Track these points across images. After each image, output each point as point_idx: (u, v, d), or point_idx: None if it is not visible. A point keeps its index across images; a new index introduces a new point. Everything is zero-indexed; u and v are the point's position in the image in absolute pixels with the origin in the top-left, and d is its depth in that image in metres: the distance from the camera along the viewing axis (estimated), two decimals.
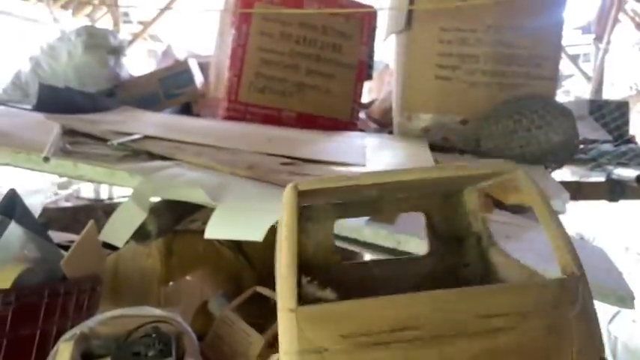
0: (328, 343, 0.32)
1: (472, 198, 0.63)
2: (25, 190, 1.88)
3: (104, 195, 3.19)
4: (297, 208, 0.43)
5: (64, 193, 3.14)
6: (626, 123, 2.69)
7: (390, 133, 2.58)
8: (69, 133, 1.59)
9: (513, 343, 0.30)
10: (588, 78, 4.53)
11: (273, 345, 1.05)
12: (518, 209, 1.58)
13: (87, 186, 3.17)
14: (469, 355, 0.30)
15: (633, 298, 1.07)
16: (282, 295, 0.37)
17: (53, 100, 2.12)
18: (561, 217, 1.69)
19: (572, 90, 5.06)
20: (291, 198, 0.43)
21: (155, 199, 1.32)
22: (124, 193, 2.59)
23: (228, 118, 2.31)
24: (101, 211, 2.64)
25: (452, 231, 0.70)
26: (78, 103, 2.12)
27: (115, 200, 3.00)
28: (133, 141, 1.54)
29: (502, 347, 0.30)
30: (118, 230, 1.17)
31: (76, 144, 1.48)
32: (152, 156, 1.47)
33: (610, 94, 4.74)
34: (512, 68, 2.34)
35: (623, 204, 2.31)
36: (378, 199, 0.64)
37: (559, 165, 2.20)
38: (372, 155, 1.86)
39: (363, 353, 0.31)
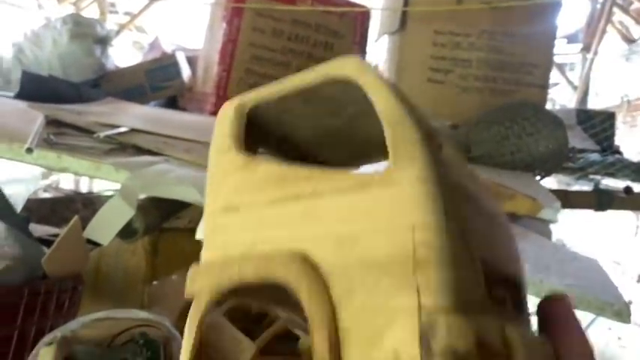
0: None
1: None
2: (8, 178, 1.81)
3: (84, 187, 3.11)
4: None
5: (43, 183, 3.06)
6: (613, 134, 2.70)
7: None
8: (53, 123, 1.53)
9: None
10: (574, 87, 4.57)
11: (264, 352, 1.02)
12: (510, 218, 1.56)
13: (66, 177, 3.09)
14: None
15: (630, 313, 1.06)
16: None
17: (36, 88, 2.06)
18: (551, 226, 1.68)
19: (557, 98, 5.10)
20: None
21: (142, 196, 1.27)
22: (105, 186, 2.53)
23: (216, 113, 2.24)
24: (80, 203, 2.57)
25: None
26: (62, 93, 2.06)
27: (95, 193, 2.93)
28: (120, 134, 1.49)
29: None
30: (104, 228, 1.12)
31: (60, 135, 1.42)
32: (139, 150, 1.42)
33: (594, 103, 4.79)
34: (504, 74, 2.34)
35: (607, 214, 2.32)
36: None
37: (548, 173, 2.20)
38: None
39: None
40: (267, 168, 0.41)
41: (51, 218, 2.36)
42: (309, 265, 0.34)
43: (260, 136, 0.51)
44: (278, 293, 0.38)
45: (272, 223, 0.38)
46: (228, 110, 0.49)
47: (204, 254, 0.42)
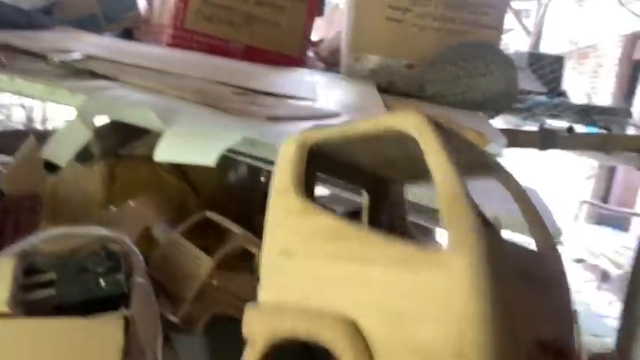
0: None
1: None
2: None
3: (37, 120, 3.04)
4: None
5: None
6: (561, 77, 2.80)
7: (337, 73, 2.57)
8: (4, 48, 1.49)
9: None
10: (528, 32, 4.64)
11: (221, 267, 1.07)
12: None
13: (19, 111, 3.01)
14: None
15: (561, 234, 1.16)
16: None
17: None
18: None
19: (511, 44, 5.17)
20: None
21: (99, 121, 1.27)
22: (59, 119, 2.48)
23: (173, 45, 2.22)
24: (34, 136, 2.52)
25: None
26: (11, 19, 1.98)
27: (49, 128, 2.88)
28: (75, 60, 1.47)
29: None
30: (61, 148, 1.12)
31: (12, 59, 1.39)
32: (95, 76, 1.41)
33: (547, 49, 4.89)
34: (461, 15, 2.36)
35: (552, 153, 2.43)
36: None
37: (497, 113, 2.28)
38: (322, 92, 1.86)
39: None
40: (323, 220, 0.47)
41: (3, 150, 2.31)
42: (358, 335, 0.38)
43: (320, 161, 0.56)
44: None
45: (325, 280, 0.45)
46: (290, 149, 0.53)
47: (261, 294, 0.48)
